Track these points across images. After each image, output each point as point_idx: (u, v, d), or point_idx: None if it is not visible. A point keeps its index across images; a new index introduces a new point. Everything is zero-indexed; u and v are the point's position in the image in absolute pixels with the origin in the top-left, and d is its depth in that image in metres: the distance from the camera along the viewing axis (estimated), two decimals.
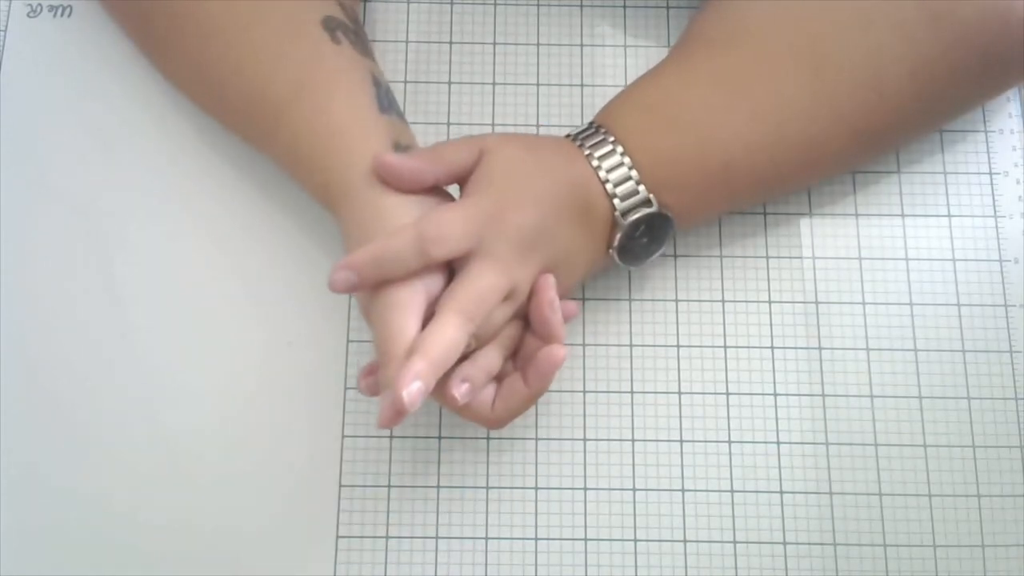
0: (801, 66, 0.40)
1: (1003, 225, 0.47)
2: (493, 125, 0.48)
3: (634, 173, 0.40)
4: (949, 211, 0.47)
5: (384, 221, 0.37)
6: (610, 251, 0.41)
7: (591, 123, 0.41)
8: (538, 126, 0.48)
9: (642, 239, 0.41)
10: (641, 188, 0.40)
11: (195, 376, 0.44)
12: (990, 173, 0.48)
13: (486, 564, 0.42)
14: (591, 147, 0.40)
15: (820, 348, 0.45)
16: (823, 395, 0.44)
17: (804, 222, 0.47)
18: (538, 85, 0.48)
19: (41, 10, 0.49)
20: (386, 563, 0.42)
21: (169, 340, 0.44)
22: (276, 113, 0.40)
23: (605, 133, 0.40)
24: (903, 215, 0.47)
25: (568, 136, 0.41)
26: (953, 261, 0.46)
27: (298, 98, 0.40)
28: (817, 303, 0.46)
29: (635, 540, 0.42)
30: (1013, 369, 0.45)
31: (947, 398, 0.44)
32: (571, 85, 0.48)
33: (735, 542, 0.42)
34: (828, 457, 0.43)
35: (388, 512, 0.43)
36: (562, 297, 0.39)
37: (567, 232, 0.39)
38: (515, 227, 0.37)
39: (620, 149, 0.40)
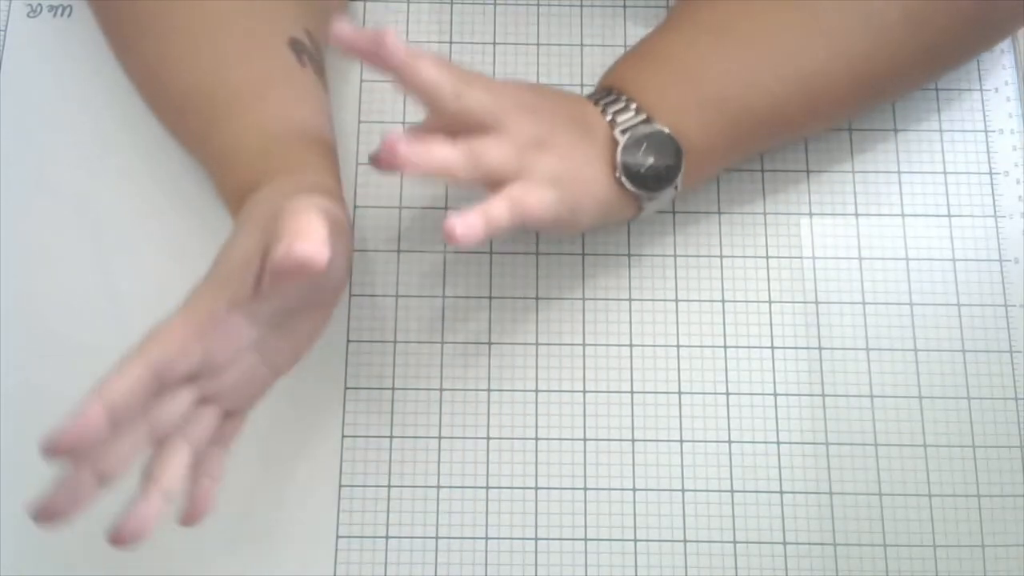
0: (798, 5, 0.40)
1: (1003, 225, 0.47)
2: None
3: (638, 111, 0.40)
4: (949, 211, 0.47)
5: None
6: (616, 175, 0.40)
7: (602, 87, 0.42)
8: None
9: (647, 158, 0.40)
10: (640, 113, 0.40)
11: None
12: (990, 173, 0.48)
13: (486, 564, 0.42)
14: (604, 104, 0.41)
15: (820, 348, 0.45)
16: (823, 395, 0.44)
17: (804, 222, 0.47)
18: None
19: (41, 10, 0.49)
20: (386, 563, 0.42)
21: None
22: (226, 113, 0.40)
23: (618, 92, 0.41)
24: (903, 215, 0.47)
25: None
26: (953, 261, 0.46)
27: (257, 101, 0.40)
28: (817, 303, 0.46)
29: (635, 540, 0.42)
30: (1013, 369, 0.45)
31: (947, 398, 0.44)
32: (571, 85, 0.48)
33: (735, 542, 0.42)
34: (828, 457, 0.43)
35: (388, 512, 0.43)
36: (574, 232, 0.40)
37: (567, 138, 0.39)
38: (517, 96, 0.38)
39: (635, 105, 0.40)
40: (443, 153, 0.34)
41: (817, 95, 0.41)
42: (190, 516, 0.35)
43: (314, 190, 0.37)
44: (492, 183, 0.36)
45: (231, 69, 0.40)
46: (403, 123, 0.48)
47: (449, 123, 0.36)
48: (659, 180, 0.40)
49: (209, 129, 0.41)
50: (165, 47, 0.41)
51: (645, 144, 0.40)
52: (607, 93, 0.41)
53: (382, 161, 0.33)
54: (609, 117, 0.40)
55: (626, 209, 0.41)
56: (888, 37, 0.40)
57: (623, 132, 0.40)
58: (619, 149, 0.39)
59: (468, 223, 0.34)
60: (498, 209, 0.35)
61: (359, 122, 0.48)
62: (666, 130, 0.40)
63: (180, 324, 0.33)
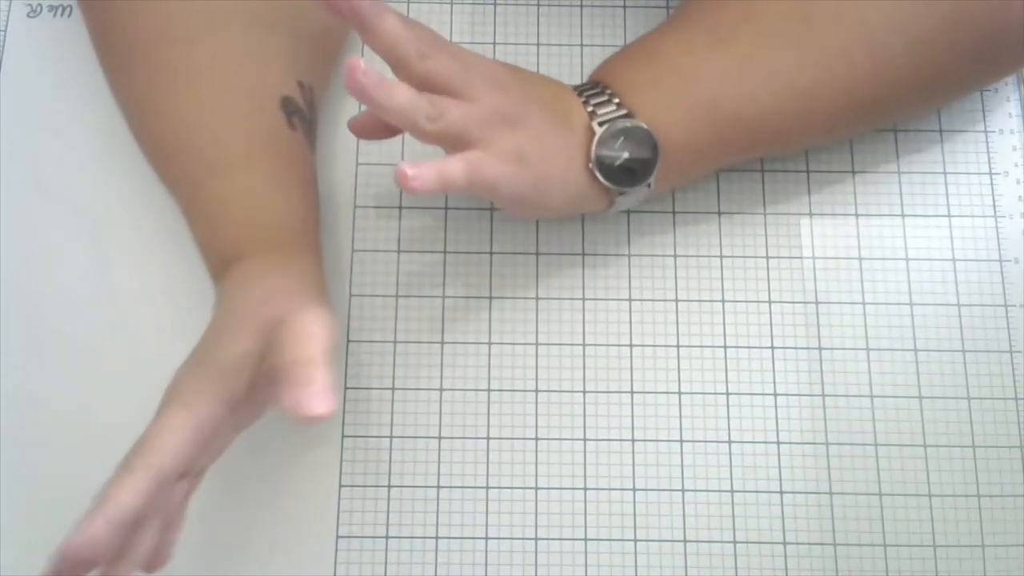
0: (792, 16, 0.40)
1: (1003, 225, 0.47)
2: None
3: (620, 106, 0.40)
4: (949, 211, 0.47)
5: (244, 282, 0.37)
6: (590, 166, 0.40)
7: (590, 80, 0.42)
8: None
9: (623, 152, 0.40)
10: (622, 108, 0.40)
11: None
12: (990, 173, 0.48)
13: (486, 564, 0.42)
14: (587, 96, 0.41)
15: (820, 348, 0.45)
16: (823, 395, 0.44)
17: (804, 222, 0.47)
18: None
19: (41, 10, 0.49)
20: (386, 563, 0.42)
21: (168, 340, 0.44)
22: (208, 175, 0.40)
23: (604, 87, 0.41)
24: (903, 215, 0.47)
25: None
26: (953, 261, 0.46)
27: (242, 168, 0.39)
28: (817, 303, 0.46)
29: (635, 540, 0.42)
30: (1013, 369, 0.45)
31: (947, 398, 0.44)
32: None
33: (735, 542, 0.42)
34: (828, 457, 0.43)
35: (388, 512, 0.43)
36: (543, 215, 0.41)
37: (539, 120, 0.38)
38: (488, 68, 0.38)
39: (617, 100, 0.40)
40: (405, 95, 0.34)
41: (810, 113, 0.41)
42: (153, 566, 0.35)
43: (303, 281, 0.37)
44: (452, 144, 0.36)
45: (222, 126, 0.40)
46: None
47: (417, 86, 0.35)
48: (632, 175, 0.40)
49: (194, 184, 0.40)
50: (156, 82, 0.40)
51: (622, 138, 0.40)
52: (593, 86, 0.41)
53: (346, 78, 0.32)
54: (590, 108, 0.40)
55: (597, 201, 0.41)
56: (889, 66, 0.40)
57: (601, 124, 0.40)
58: (595, 140, 0.40)
59: (421, 171, 0.33)
60: (453, 165, 0.35)
61: None
62: (645, 126, 0.40)
63: (182, 429, 0.33)
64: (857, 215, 0.47)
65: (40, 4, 0.49)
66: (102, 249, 0.46)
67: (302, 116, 0.42)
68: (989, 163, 0.48)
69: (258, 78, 0.41)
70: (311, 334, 0.32)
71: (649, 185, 0.41)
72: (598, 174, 0.40)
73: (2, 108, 0.47)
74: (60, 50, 0.48)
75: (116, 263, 0.45)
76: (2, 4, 0.49)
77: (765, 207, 0.47)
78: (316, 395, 0.30)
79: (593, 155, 0.40)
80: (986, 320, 0.45)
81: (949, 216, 0.47)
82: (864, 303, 0.45)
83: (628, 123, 0.40)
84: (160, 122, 0.41)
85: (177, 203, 0.42)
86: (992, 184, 0.47)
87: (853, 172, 0.47)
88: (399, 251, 0.46)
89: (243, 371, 0.34)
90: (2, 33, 0.49)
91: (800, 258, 0.46)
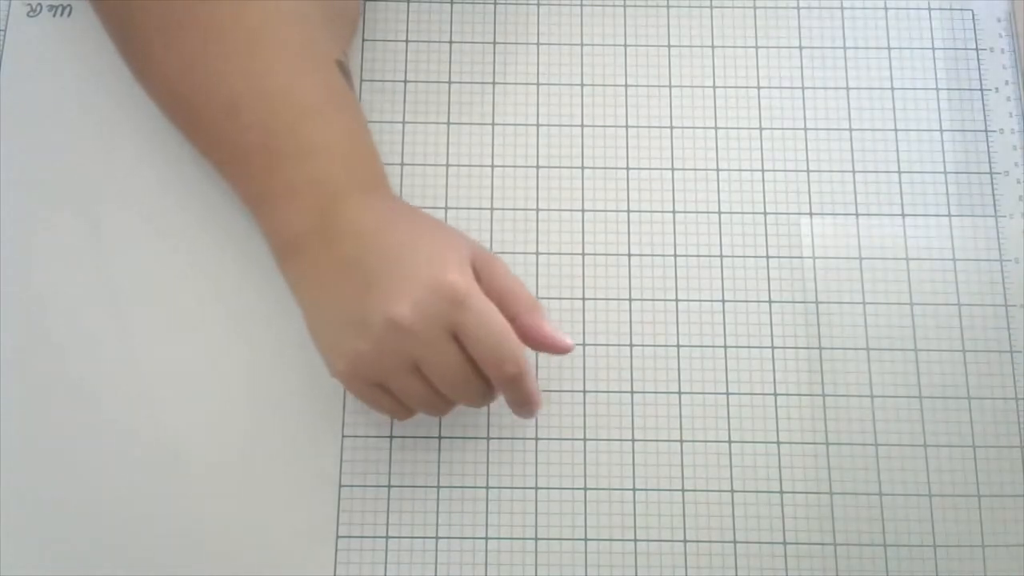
0: None
1: (1003, 225, 0.47)
2: (493, 124, 0.48)
3: None
4: (949, 211, 0.47)
5: (392, 208, 0.38)
6: None
7: None
8: (538, 125, 0.48)
9: None
10: None
11: (194, 376, 0.44)
12: (990, 173, 0.48)
13: (486, 564, 0.42)
14: None
15: (820, 348, 0.45)
16: (823, 395, 0.44)
17: (804, 222, 0.47)
18: (538, 85, 0.48)
19: (41, 10, 0.49)
20: (386, 563, 0.42)
21: (168, 339, 0.44)
22: (304, 112, 0.40)
23: None
24: (903, 215, 0.47)
25: None
26: (953, 261, 0.46)
27: (316, 115, 0.40)
28: (817, 303, 0.45)
29: (635, 540, 0.42)
30: (1013, 369, 0.45)
31: (947, 398, 0.44)
32: (571, 85, 0.48)
33: (735, 542, 0.42)
34: (828, 457, 0.43)
35: (388, 512, 0.43)
36: None
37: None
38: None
39: None
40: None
41: None
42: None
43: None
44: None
45: (294, 80, 0.40)
46: (403, 123, 0.48)
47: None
48: None
49: (283, 127, 0.40)
50: (208, 46, 0.40)
51: None
52: None
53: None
54: None
55: None
56: None
57: None
58: None
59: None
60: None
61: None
62: None
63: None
64: (857, 215, 0.47)
65: (40, 4, 0.49)
66: (102, 248, 0.46)
67: (349, 78, 0.42)
68: (989, 163, 0.48)
69: (311, 41, 0.41)
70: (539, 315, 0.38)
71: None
72: None
73: (2, 108, 0.47)
74: (60, 50, 0.48)
75: (116, 263, 0.45)
76: (2, 4, 0.49)
77: (765, 207, 0.47)
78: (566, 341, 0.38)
79: None
80: (986, 320, 0.45)
81: (949, 216, 0.47)
82: (864, 303, 0.45)
83: None
84: (222, 82, 0.40)
85: (228, 166, 0.42)
86: (992, 184, 0.47)
87: (853, 172, 0.47)
88: None
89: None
90: (2, 33, 0.49)
91: (800, 258, 0.46)
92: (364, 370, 0.37)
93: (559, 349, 0.38)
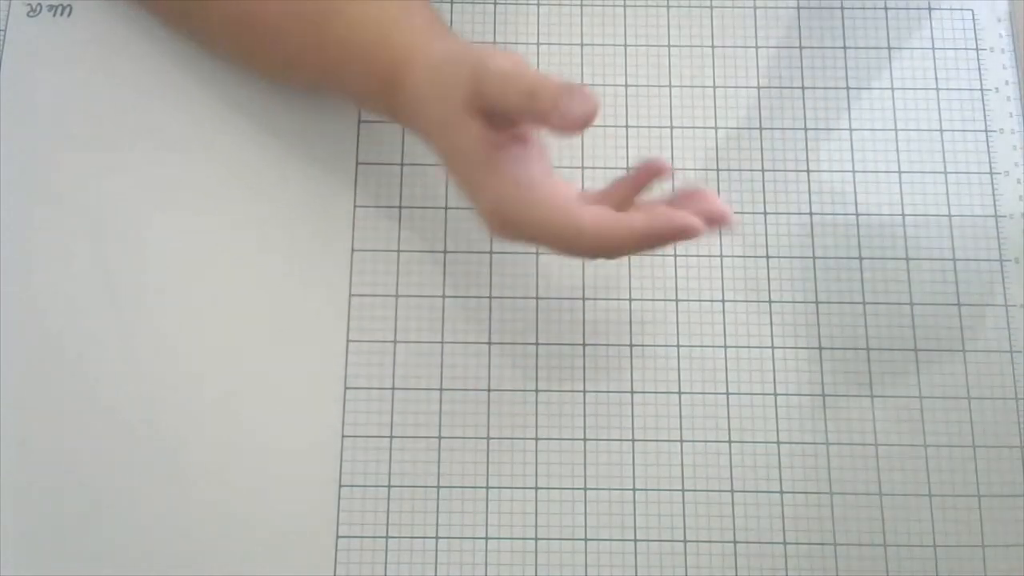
0: None
1: (1003, 225, 0.47)
2: None
3: None
4: (949, 211, 0.47)
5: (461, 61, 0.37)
6: None
7: None
8: None
9: None
10: None
11: (194, 375, 0.44)
12: (990, 173, 0.48)
13: (486, 564, 0.42)
14: None
15: (820, 348, 0.45)
16: (823, 395, 0.44)
17: (804, 221, 0.47)
18: None
19: (41, 10, 0.49)
20: (386, 563, 0.42)
21: (168, 339, 0.44)
22: (329, 9, 0.40)
23: None
24: (903, 215, 0.47)
25: None
26: (953, 261, 0.46)
27: None
28: (817, 303, 0.45)
29: (635, 540, 0.42)
30: (1013, 369, 0.45)
31: (947, 398, 0.44)
32: None
33: (735, 542, 0.42)
34: (828, 457, 0.43)
35: (388, 512, 0.43)
36: None
37: None
38: None
39: None
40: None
41: None
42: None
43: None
44: None
45: None
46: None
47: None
48: None
49: (310, 40, 0.40)
50: None
51: None
52: None
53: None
54: None
55: None
56: None
57: None
58: None
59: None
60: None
61: (359, 122, 0.48)
62: None
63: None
64: (857, 214, 0.47)
65: (40, 4, 0.49)
66: (102, 249, 0.46)
67: None
68: (989, 163, 0.48)
69: None
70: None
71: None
72: None
73: (2, 108, 0.47)
74: (60, 50, 0.48)
75: (116, 263, 0.45)
76: (2, 4, 0.49)
77: (765, 207, 0.47)
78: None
79: None
80: (986, 320, 0.45)
81: (949, 215, 0.47)
82: (864, 303, 0.45)
83: None
84: None
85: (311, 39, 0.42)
86: (992, 184, 0.47)
87: (853, 171, 0.47)
88: (399, 251, 0.46)
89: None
90: (2, 33, 0.49)
91: (800, 257, 0.46)
92: None
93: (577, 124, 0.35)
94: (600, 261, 0.45)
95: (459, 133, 0.37)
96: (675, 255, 0.46)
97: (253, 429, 0.43)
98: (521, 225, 0.37)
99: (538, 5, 0.50)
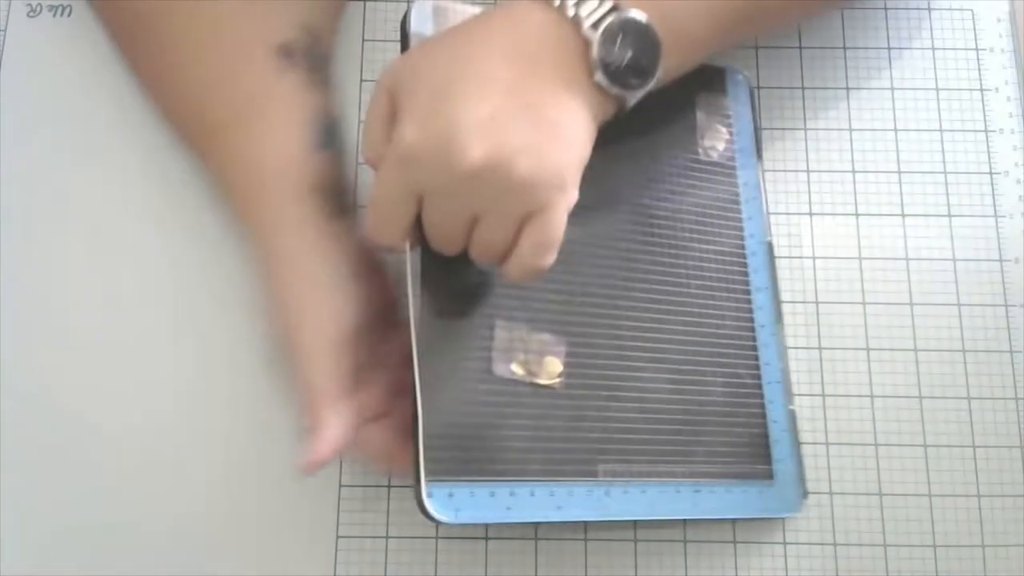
0: None
1: (1003, 225, 0.47)
2: None
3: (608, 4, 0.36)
4: (949, 211, 0.47)
5: (295, 267, 0.38)
6: (596, 79, 0.35)
7: None
8: None
9: (626, 52, 0.36)
10: (606, 2, 0.36)
11: (194, 375, 0.44)
12: (990, 173, 0.48)
13: (486, 564, 0.42)
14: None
15: (820, 348, 0.45)
16: (823, 395, 0.44)
17: (804, 222, 0.47)
18: None
19: (41, 10, 0.49)
20: (386, 563, 0.42)
21: (167, 339, 0.44)
22: (210, 136, 0.41)
23: None
24: (903, 215, 0.47)
25: None
26: (953, 261, 0.46)
27: (233, 124, 0.40)
28: (817, 303, 0.45)
29: (635, 540, 0.42)
30: (1013, 369, 0.45)
31: (947, 398, 0.44)
32: None
33: (735, 542, 0.42)
34: (828, 457, 0.43)
35: (388, 512, 0.43)
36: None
37: (531, 102, 0.34)
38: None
39: None
40: None
41: None
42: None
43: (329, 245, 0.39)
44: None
45: (215, 89, 0.41)
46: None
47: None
48: (641, 71, 0.36)
49: (205, 148, 0.42)
50: (166, 55, 0.42)
51: (621, 35, 0.35)
52: None
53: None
54: (571, 13, 0.35)
55: (609, 110, 0.37)
56: None
57: (594, 27, 0.35)
58: (594, 47, 0.35)
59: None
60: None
61: (359, 121, 0.48)
62: (643, 18, 0.36)
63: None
64: (857, 215, 0.47)
65: (40, 4, 0.49)
66: (102, 249, 0.46)
67: (301, 55, 0.41)
68: (989, 163, 0.48)
69: (254, 28, 0.41)
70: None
71: (657, 79, 0.37)
72: (608, 85, 0.36)
73: (2, 108, 0.47)
74: (60, 50, 0.48)
75: (116, 263, 0.45)
76: (2, 4, 0.49)
77: (766, 207, 0.47)
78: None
79: (598, 64, 0.35)
80: (986, 320, 0.45)
81: (949, 216, 0.47)
82: (864, 303, 0.45)
83: (622, 16, 0.35)
84: (171, 88, 0.42)
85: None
86: (992, 184, 0.47)
87: (853, 172, 0.47)
88: None
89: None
90: (2, 33, 0.49)
91: (800, 258, 0.46)
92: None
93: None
94: None
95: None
96: None
97: (253, 429, 0.43)
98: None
99: None
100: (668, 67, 0.37)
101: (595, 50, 0.35)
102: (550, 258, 0.35)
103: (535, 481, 0.38)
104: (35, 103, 0.47)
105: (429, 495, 0.36)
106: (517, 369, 0.39)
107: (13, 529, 0.42)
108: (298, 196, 0.39)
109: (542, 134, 0.34)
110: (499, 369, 0.39)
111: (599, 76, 0.35)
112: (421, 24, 0.40)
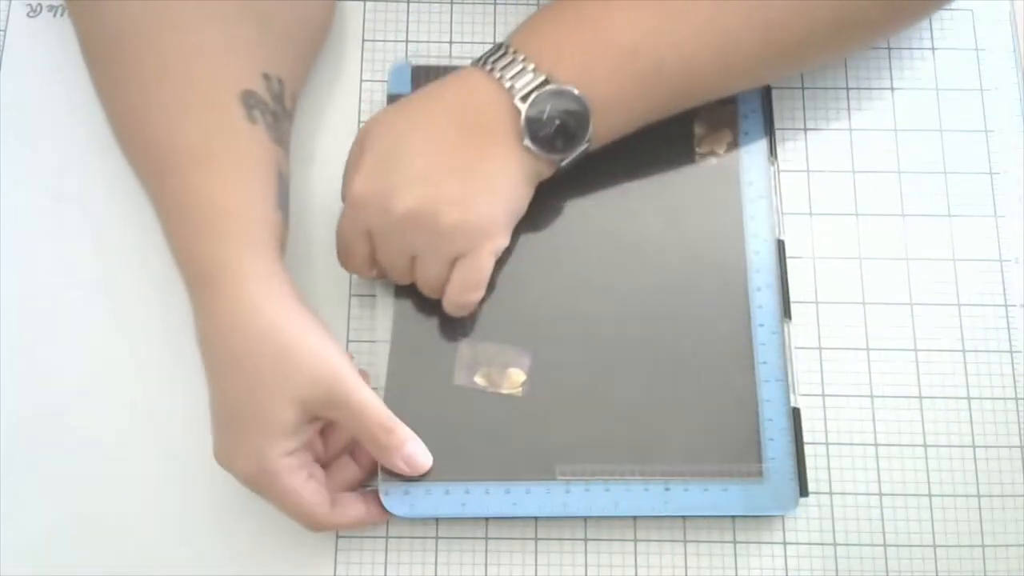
0: None
1: (1003, 225, 0.47)
2: None
3: (536, 72, 0.40)
4: (949, 211, 0.47)
5: (251, 316, 0.38)
6: (525, 143, 0.40)
7: (497, 45, 0.42)
8: None
9: (554, 120, 0.40)
10: (538, 74, 0.40)
11: (194, 375, 0.44)
12: (990, 173, 0.48)
13: (486, 564, 0.42)
14: (494, 63, 0.40)
15: (820, 348, 0.45)
16: (823, 395, 0.44)
17: (805, 222, 0.47)
18: None
19: (41, 10, 0.49)
20: (386, 563, 0.42)
21: (167, 339, 0.44)
22: (167, 171, 0.40)
23: (513, 52, 0.40)
24: (903, 215, 0.47)
25: (476, 63, 0.42)
26: (953, 261, 0.46)
27: (193, 165, 0.39)
28: (817, 303, 0.45)
29: (635, 540, 0.42)
30: (1013, 369, 0.45)
31: (947, 398, 0.44)
32: None
33: (735, 542, 0.42)
34: (828, 457, 0.43)
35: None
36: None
37: (466, 161, 0.40)
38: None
39: (532, 66, 0.40)
40: None
41: (730, 57, 0.41)
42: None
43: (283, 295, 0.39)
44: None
45: (176, 129, 0.40)
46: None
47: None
48: (569, 136, 0.40)
49: (156, 182, 0.41)
50: (129, 79, 0.41)
51: (550, 104, 0.39)
52: (502, 52, 0.41)
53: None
54: (507, 83, 0.40)
55: (544, 172, 0.42)
56: (806, 9, 0.40)
57: (524, 99, 0.39)
58: (523, 117, 0.39)
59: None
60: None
61: (359, 121, 0.48)
62: (574, 90, 0.39)
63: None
64: (857, 215, 0.47)
65: (40, 4, 0.49)
66: (102, 249, 0.46)
67: (264, 108, 0.41)
68: (989, 163, 0.48)
69: (217, 73, 0.40)
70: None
71: (588, 143, 0.41)
72: (536, 150, 0.40)
73: (2, 108, 0.47)
74: (60, 50, 0.48)
75: (116, 263, 0.45)
76: (2, 4, 0.49)
77: (779, 205, 0.47)
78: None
79: (525, 131, 0.40)
80: (986, 320, 0.45)
81: (949, 216, 0.47)
82: (864, 303, 0.45)
83: (553, 88, 0.39)
84: (130, 118, 0.41)
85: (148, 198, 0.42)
86: (992, 184, 0.47)
87: (853, 172, 0.47)
88: None
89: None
90: (2, 33, 0.49)
91: (801, 258, 0.46)
92: None
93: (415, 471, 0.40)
94: None
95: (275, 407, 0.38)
96: None
97: None
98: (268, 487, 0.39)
99: (538, 5, 0.50)
100: (600, 133, 0.41)
101: (522, 120, 0.39)
102: (476, 295, 0.41)
103: (491, 481, 0.41)
104: (35, 103, 0.48)
105: (386, 493, 0.40)
106: (480, 380, 0.42)
107: (13, 529, 0.42)
108: (267, 249, 0.39)
109: (471, 188, 0.40)
110: (461, 380, 0.42)
111: (527, 141, 0.40)
112: (400, 86, 0.46)
